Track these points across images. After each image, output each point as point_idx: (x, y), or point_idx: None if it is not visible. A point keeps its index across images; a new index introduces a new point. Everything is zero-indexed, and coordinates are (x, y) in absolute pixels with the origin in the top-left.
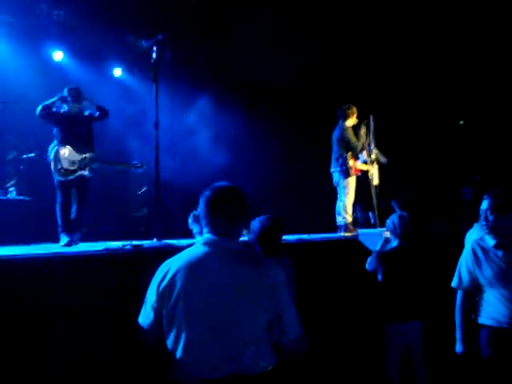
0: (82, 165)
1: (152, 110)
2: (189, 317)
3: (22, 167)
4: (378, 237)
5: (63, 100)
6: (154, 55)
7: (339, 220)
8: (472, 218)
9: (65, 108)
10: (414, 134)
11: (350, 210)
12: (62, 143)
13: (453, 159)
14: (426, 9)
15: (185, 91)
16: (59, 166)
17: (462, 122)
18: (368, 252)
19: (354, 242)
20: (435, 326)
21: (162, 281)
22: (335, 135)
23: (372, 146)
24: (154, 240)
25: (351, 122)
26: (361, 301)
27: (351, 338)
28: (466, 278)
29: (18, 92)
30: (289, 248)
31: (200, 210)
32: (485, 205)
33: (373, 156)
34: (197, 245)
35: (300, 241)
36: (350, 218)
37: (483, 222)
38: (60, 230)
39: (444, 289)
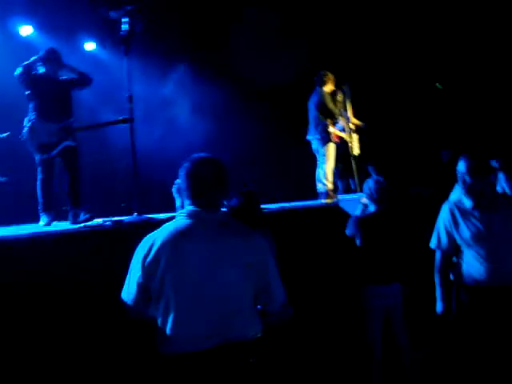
0: (64, 134)
1: (126, 84)
2: (176, 290)
3: None
4: (358, 202)
5: (42, 61)
6: (124, 27)
7: (320, 187)
8: (452, 180)
9: (42, 70)
10: (391, 98)
11: (330, 176)
12: (39, 112)
13: (431, 122)
14: None
15: (159, 63)
16: (36, 142)
17: (438, 85)
18: (349, 217)
19: (335, 208)
20: (415, 288)
21: (146, 255)
22: (312, 101)
23: (349, 114)
24: (134, 215)
25: (328, 88)
26: (342, 266)
27: (333, 303)
28: (444, 238)
29: None
30: (271, 216)
31: (181, 182)
32: (462, 167)
33: (351, 125)
34: (180, 217)
35: (282, 209)
36: (330, 185)
37: (461, 185)
38: (40, 208)
39: (424, 251)
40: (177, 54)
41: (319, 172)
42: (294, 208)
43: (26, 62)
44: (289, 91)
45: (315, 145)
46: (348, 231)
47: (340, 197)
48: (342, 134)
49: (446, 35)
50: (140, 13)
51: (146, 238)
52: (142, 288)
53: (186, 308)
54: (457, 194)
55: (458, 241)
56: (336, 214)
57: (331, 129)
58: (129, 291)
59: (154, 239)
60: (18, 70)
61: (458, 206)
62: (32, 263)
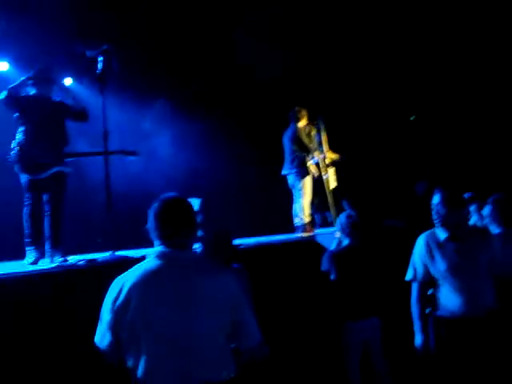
0: (57, 158)
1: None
2: (147, 333)
3: None
4: (334, 237)
5: (31, 82)
6: (100, 65)
7: (297, 221)
8: (426, 213)
9: (33, 91)
10: (365, 132)
11: (307, 210)
12: (30, 133)
13: (405, 155)
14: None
15: (137, 99)
16: (27, 162)
17: (413, 117)
18: (325, 251)
19: (312, 242)
20: (392, 321)
21: (116, 298)
22: (287, 137)
23: (324, 148)
24: (109, 253)
25: (302, 123)
26: (320, 301)
27: (311, 339)
28: (419, 270)
29: None
30: (247, 252)
31: (149, 223)
32: (436, 199)
33: (327, 160)
34: (149, 258)
35: (258, 244)
36: (307, 219)
37: (435, 216)
38: (27, 242)
39: (400, 284)
40: (154, 89)
41: (296, 206)
42: (270, 242)
43: (13, 85)
44: (264, 127)
45: (291, 179)
46: (322, 266)
47: (317, 231)
48: (316, 168)
49: (416, 67)
50: (115, 52)
51: (115, 281)
52: (114, 332)
53: (157, 351)
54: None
55: (434, 273)
56: (313, 248)
57: (308, 163)
58: (101, 335)
59: (123, 282)
60: (3, 94)
61: (433, 238)
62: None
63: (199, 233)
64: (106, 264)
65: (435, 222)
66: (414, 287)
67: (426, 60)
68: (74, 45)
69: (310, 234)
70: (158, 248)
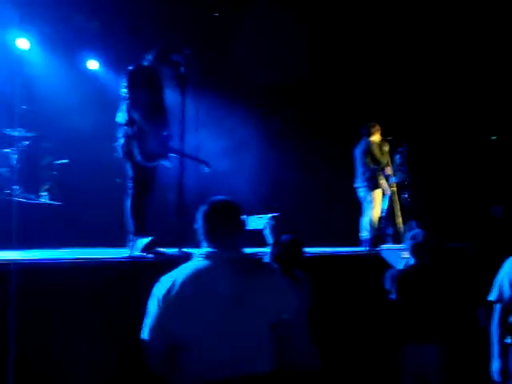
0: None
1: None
2: (194, 329)
3: (54, 173)
4: (401, 255)
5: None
6: (182, 69)
7: (364, 234)
8: (501, 236)
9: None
10: (443, 151)
11: (375, 224)
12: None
13: (482, 176)
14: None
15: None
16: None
17: (494, 138)
18: (389, 268)
19: (377, 257)
20: (455, 348)
21: (166, 295)
22: (359, 150)
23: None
24: (177, 249)
25: (375, 138)
26: (378, 319)
27: (367, 357)
28: (506, 292)
29: (54, 100)
30: (311, 261)
31: (198, 224)
32: None
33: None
34: (197, 258)
35: (323, 254)
36: (375, 233)
37: None
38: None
39: (466, 310)
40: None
41: (365, 220)
42: (335, 253)
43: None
44: (337, 140)
45: (362, 192)
46: (385, 285)
47: (383, 246)
48: (386, 183)
49: (502, 83)
50: (196, 57)
51: (163, 279)
52: (161, 327)
53: (203, 346)
54: None
55: None
56: (378, 263)
57: (379, 176)
58: (149, 330)
59: (173, 280)
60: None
61: None
62: (65, 290)
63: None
64: (173, 259)
65: None
66: (497, 309)
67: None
68: (163, 47)
69: (377, 248)
70: (205, 249)
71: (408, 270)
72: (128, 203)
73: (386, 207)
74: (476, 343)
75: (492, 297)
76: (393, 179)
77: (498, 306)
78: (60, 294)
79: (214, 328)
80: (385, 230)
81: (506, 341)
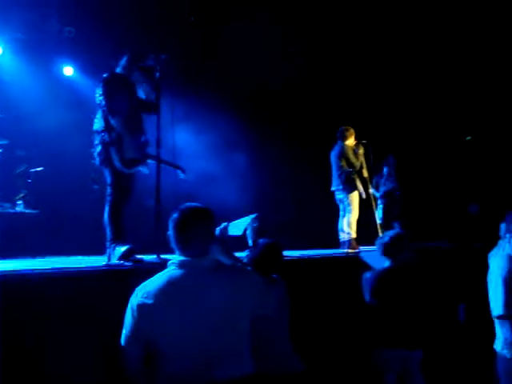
0: (143, 154)
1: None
2: (169, 337)
3: (29, 181)
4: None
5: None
6: (157, 74)
7: (342, 236)
8: (478, 235)
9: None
10: (419, 151)
11: (354, 226)
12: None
13: (457, 175)
14: (431, 23)
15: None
16: (121, 156)
17: (469, 138)
18: (369, 269)
19: (356, 259)
20: (434, 352)
21: (141, 304)
22: (334, 154)
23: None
24: (155, 256)
25: (350, 142)
26: (357, 322)
27: (344, 361)
28: None
29: (28, 106)
30: (289, 263)
31: (170, 232)
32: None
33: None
34: (170, 268)
35: (301, 256)
36: (354, 234)
37: None
38: (110, 240)
39: (447, 308)
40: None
41: (342, 221)
42: (314, 256)
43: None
44: (314, 144)
45: (340, 194)
46: (363, 288)
47: (362, 248)
48: (361, 188)
49: (477, 85)
50: (172, 62)
51: (138, 289)
52: (137, 336)
53: (178, 353)
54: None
55: None
56: (356, 264)
57: (356, 179)
58: (125, 340)
59: (147, 290)
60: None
61: None
62: (42, 300)
63: (250, 243)
64: (151, 266)
65: None
66: None
67: (485, 80)
68: (135, 53)
69: (356, 250)
70: (178, 257)
71: (382, 272)
72: (106, 210)
73: (380, 215)
74: (455, 342)
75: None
76: (372, 187)
77: None
78: (37, 304)
79: (188, 336)
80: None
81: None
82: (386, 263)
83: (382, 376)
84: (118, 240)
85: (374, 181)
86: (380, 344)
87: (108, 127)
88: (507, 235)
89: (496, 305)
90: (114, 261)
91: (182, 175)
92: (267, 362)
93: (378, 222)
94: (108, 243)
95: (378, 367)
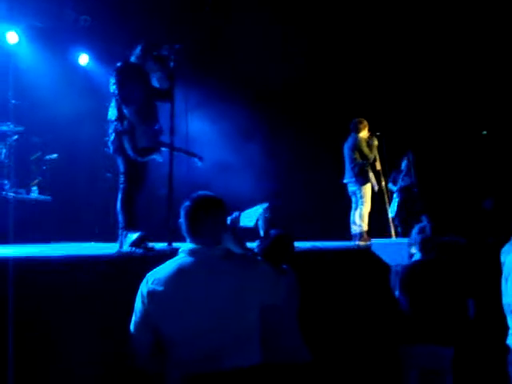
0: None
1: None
2: (178, 324)
3: (44, 167)
4: (392, 247)
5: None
6: (172, 64)
7: (354, 229)
8: (492, 230)
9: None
10: (433, 145)
11: (366, 218)
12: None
13: (473, 170)
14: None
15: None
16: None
17: (485, 132)
18: (380, 262)
19: (368, 251)
20: (467, 351)
21: (151, 290)
22: (348, 146)
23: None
24: (166, 244)
25: (363, 134)
26: (371, 315)
27: (362, 359)
28: None
29: (44, 94)
30: (301, 254)
31: (181, 220)
32: None
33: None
34: (181, 255)
35: (313, 248)
36: (365, 227)
37: None
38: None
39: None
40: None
41: (355, 214)
42: (325, 248)
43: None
44: (328, 135)
45: (352, 187)
46: (391, 282)
47: (374, 240)
48: (374, 181)
49: (494, 80)
50: (186, 53)
51: (148, 275)
52: (147, 323)
53: (192, 336)
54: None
55: None
56: (368, 257)
57: (369, 170)
58: (135, 325)
59: (158, 277)
60: None
61: None
62: (55, 285)
63: (262, 234)
64: (163, 254)
65: None
66: None
67: (502, 75)
68: (151, 41)
69: (367, 242)
70: (188, 245)
71: (416, 265)
72: (119, 198)
73: (394, 209)
74: (467, 338)
75: None
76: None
77: None
78: (49, 290)
79: (197, 324)
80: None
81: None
82: (417, 256)
83: (408, 375)
84: (129, 227)
85: (392, 175)
86: (408, 340)
87: (121, 116)
88: None
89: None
90: (126, 248)
91: (198, 163)
92: (275, 351)
93: (391, 215)
94: (120, 230)
95: (401, 363)
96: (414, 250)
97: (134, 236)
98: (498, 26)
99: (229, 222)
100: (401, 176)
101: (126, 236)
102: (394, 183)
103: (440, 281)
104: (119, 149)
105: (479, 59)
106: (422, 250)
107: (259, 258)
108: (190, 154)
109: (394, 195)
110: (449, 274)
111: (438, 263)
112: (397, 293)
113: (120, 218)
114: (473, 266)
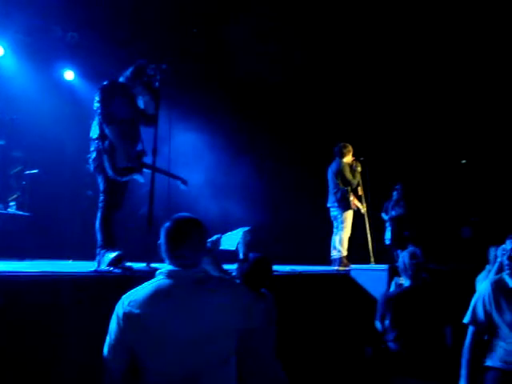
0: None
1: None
2: (154, 347)
3: (24, 183)
4: (371, 273)
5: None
6: (157, 84)
7: (334, 254)
8: (470, 257)
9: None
10: (412, 173)
11: (345, 244)
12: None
13: (452, 198)
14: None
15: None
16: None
17: (464, 161)
18: (359, 288)
19: (347, 276)
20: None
21: (125, 314)
22: (331, 170)
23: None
24: (145, 264)
25: (347, 159)
26: (347, 339)
27: (331, 375)
28: (481, 315)
29: (27, 108)
30: (280, 278)
31: (161, 241)
32: (509, 245)
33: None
34: (158, 277)
35: (291, 272)
36: (345, 252)
37: (507, 262)
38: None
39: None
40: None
41: (335, 239)
42: (304, 272)
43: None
44: (310, 159)
45: (335, 211)
46: (377, 311)
47: (353, 266)
48: (359, 204)
49: (473, 110)
50: (172, 72)
51: (124, 297)
52: (120, 347)
53: (162, 367)
54: (485, 274)
55: (498, 322)
56: (347, 282)
57: (351, 196)
58: (109, 347)
59: (134, 299)
60: None
61: (501, 284)
62: (30, 303)
63: (241, 256)
64: (141, 274)
65: (506, 268)
66: (470, 331)
67: (481, 104)
68: (136, 60)
69: (346, 268)
70: (167, 267)
71: (406, 292)
72: (98, 216)
73: (389, 236)
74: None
75: (466, 319)
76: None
77: (471, 329)
78: (23, 308)
79: (172, 350)
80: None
81: (485, 364)
82: (406, 283)
83: None
84: (107, 246)
85: (384, 205)
86: (398, 373)
87: (103, 135)
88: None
89: None
90: (103, 267)
91: (182, 186)
92: (252, 375)
93: (387, 243)
94: (98, 249)
95: None
96: (402, 278)
97: (111, 255)
98: (474, 53)
99: (209, 244)
100: (390, 205)
101: (103, 255)
102: (386, 212)
103: (427, 308)
104: (99, 167)
105: (458, 90)
106: (413, 275)
107: (237, 281)
108: (173, 176)
109: (387, 224)
110: (434, 301)
111: (426, 290)
112: (387, 322)
113: (98, 236)
114: (450, 292)
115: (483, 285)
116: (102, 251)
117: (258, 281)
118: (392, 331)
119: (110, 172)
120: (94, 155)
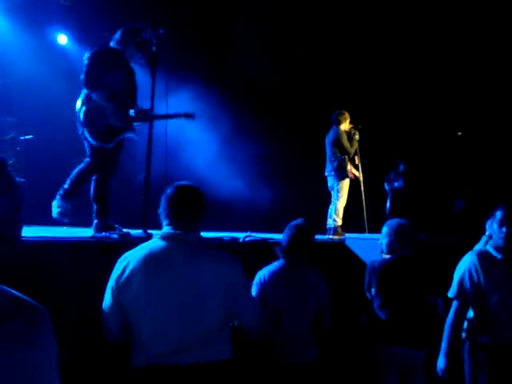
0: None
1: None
2: (148, 309)
3: (18, 148)
4: (366, 242)
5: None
6: (154, 48)
7: (329, 222)
8: (464, 230)
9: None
10: (408, 144)
11: (341, 213)
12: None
13: (446, 170)
14: (425, 19)
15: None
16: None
17: (460, 133)
18: (354, 257)
19: (341, 245)
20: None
21: (121, 274)
22: (329, 139)
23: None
24: (141, 230)
25: (344, 127)
26: (344, 312)
27: (336, 358)
28: (467, 289)
29: (19, 72)
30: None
31: (161, 205)
32: (499, 215)
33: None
34: (155, 238)
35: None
36: (339, 221)
37: (497, 233)
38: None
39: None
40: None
41: (331, 208)
42: None
43: None
44: (306, 128)
45: (331, 180)
46: (365, 279)
47: (347, 235)
48: (356, 172)
49: (472, 80)
50: (169, 38)
51: (121, 258)
52: (116, 307)
53: (156, 325)
54: (481, 244)
55: (482, 295)
56: (341, 251)
57: (348, 165)
58: (104, 309)
59: (129, 260)
60: None
61: (487, 257)
62: (28, 268)
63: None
64: (137, 240)
65: (500, 237)
66: (455, 305)
67: (480, 76)
68: (132, 24)
69: (341, 237)
70: (165, 228)
71: (393, 261)
72: (92, 186)
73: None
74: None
75: (451, 293)
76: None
77: (456, 303)
78: (23, 273)
79: (162, 311)
80: None
81: (462, 337)
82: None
83: (381, 373)
84: (103, 213)
85: (387, 176)
86: (384, 341)
87: (87, 99)
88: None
89: None
90: (100, 233)
91: (191, 119)
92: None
93: (387, 212)
94: (94, 216)
95: (379, 364)
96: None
97: (108, 221)
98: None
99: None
100: (392, 176)
101: (99, 221)
102: (388, 183)
103: (414, 278)
104: (83, 136)
105: (456, 64)
106: (400, 245)
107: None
108: (175, 116)
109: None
110: (423, 272)
111: (414, 260)
112: (373, 290)
113: (94, 204)
114: (441, 265)
115: (466, 258)
116: (98, 218)
117: (299, 247)
118: (377, 299)
119: (93, 142)
120: (80, 129)
